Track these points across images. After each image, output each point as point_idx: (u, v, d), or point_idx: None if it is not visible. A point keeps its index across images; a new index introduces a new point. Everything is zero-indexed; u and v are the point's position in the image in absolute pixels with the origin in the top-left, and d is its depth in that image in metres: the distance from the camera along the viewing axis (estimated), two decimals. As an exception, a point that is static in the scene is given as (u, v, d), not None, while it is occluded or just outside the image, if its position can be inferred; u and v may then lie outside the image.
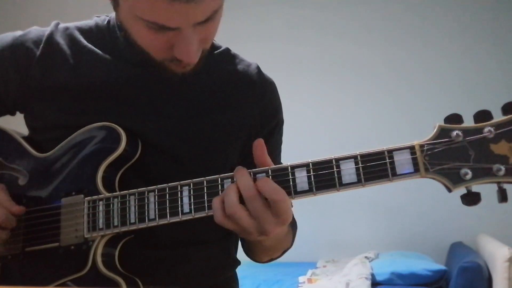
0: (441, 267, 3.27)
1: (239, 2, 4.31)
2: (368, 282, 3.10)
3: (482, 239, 3.58)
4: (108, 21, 1.12)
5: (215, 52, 1.16)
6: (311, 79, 4.42)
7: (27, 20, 3.69)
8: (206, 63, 1.09)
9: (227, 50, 1.18)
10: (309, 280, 3.37)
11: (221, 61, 1.15)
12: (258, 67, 1.18)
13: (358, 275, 3.16)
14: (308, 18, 4.48)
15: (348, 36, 4.41)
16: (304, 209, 3.92)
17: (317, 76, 4.41)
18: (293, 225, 1.14)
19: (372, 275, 3.25)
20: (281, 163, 0.92)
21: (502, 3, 4.17)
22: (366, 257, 3.63)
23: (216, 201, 0.88)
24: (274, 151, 1.18)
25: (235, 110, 1.11)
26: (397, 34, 4.33)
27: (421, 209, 4.06)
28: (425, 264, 3.33)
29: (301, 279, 3.41)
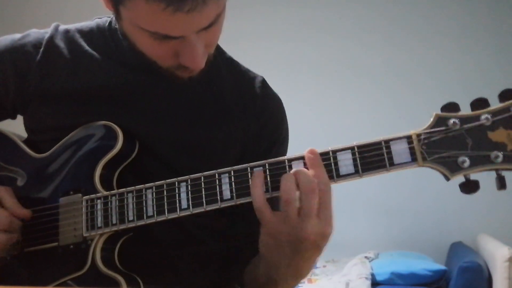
0: (441, 267, 3.27)
1: (239, 2, 4.31)
2: (368, 282, 3.10)
3: (482, 239, 3.59)
4: (110, 23, 1.11)
5: (220, 60, 1.14)
6: (310, 79, 4.41)
7: (27, 20, 3.70)
8: (209, 72, 1.07)
9: (231, 59, 1.17)
10: (309, 280, 3.37)
11: (224, 69, 1.14)
12: (263, 81, 1.16)
13: (358, 275, 3.16)
14: (308, 18, 4.48)
15: (348, 35, 4.41)
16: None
17: (317, 76, 4.41)
18: None
19: (372, 275, 3.25)
20: None
21: (501, 2, 4.18)
22: (366, 257, 3.63)
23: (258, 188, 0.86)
24: None
25: (234, 123, 1.10)
26: (396, 33, 4.33)
27: (421, 209, 4.05)
28: (425, 264, 3.33)
29: (301, 279, 3.40)
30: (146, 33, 0.88)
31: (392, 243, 4.07)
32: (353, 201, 4.06)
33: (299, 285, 3.28)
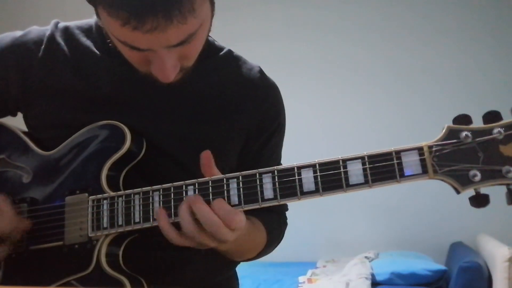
0: (441, 267, 3.27)
1: (239, 2, 4.29)
2: (368, 282, 3.09)
3: (482, 239, 3.58)
4: None
5: (218, 54, 1.15)
6: (311, 79, 4.41)
7: (27, 20, 3.69)
8: (209, 65, 1.08)
9: (230, 52, 1.17)
10: (309, 280, 3.36)
11: (224, 63, 1.15)
12: (261, 70, 1.17)
13: (358, 275, 3.15)
14: (308, 18, 4.47)
15: (348, 36, 4.40)
16: (304, 209, 3.92)
17: (317, 76, 4.41)
18: (271, 229, 1.14)
19: (372, 275, 3.24)
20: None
21: (503, 2, 4.17)
22: (366, 257, 3.62)
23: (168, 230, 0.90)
24: (272, 155, 1.18)
25: (237, 114, 1.11)
26: (397, 33, 4.32)
27: (421, 209, 4.05)
28: (425, 264, 3.33)
29: (301, 279, 3.40)
30: (117, 40, 0.88)
31: (392, 243, 4.07)
32: (353, 201, 4.06)
33: (299, 285, 3.29)
